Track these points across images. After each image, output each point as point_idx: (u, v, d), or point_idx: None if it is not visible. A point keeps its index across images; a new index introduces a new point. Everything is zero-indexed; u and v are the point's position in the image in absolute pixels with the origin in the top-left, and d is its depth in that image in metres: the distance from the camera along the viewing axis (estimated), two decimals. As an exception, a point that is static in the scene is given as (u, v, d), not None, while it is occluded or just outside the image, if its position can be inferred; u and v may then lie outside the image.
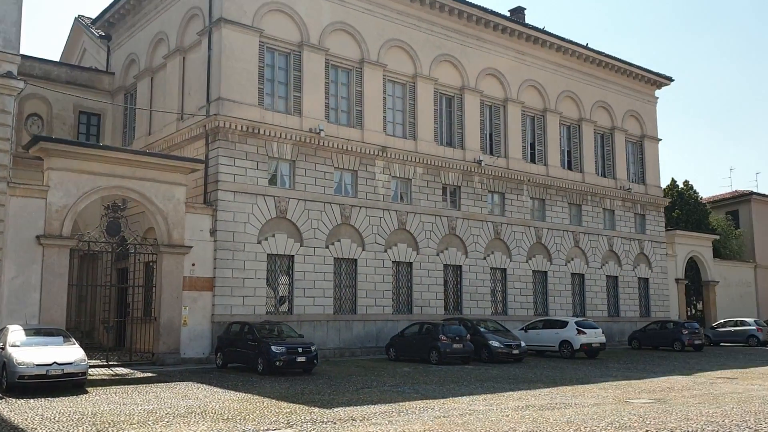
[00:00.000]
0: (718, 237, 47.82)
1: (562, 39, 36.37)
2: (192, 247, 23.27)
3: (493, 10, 33.24)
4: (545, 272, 34.81)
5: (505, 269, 33.04)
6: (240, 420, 12.12)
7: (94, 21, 33.95)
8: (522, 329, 29.81)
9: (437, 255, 30.33)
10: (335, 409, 13.28)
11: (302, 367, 20.33)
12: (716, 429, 10.84)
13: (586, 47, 37.60)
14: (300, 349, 20.14)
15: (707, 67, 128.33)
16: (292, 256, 25.93)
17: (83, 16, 36.01)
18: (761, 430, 10.73)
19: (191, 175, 24.31)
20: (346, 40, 28.60)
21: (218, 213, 24.18)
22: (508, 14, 36.46)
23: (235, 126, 24.78)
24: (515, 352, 25.44)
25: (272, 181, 25.96)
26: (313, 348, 20.52)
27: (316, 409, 13.28)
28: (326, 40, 27.82)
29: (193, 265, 23.38)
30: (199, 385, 17.32)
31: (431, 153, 30.58)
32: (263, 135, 25.48)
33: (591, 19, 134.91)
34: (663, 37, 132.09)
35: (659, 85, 42.62)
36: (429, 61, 31.14)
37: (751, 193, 53.70)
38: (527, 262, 33.91)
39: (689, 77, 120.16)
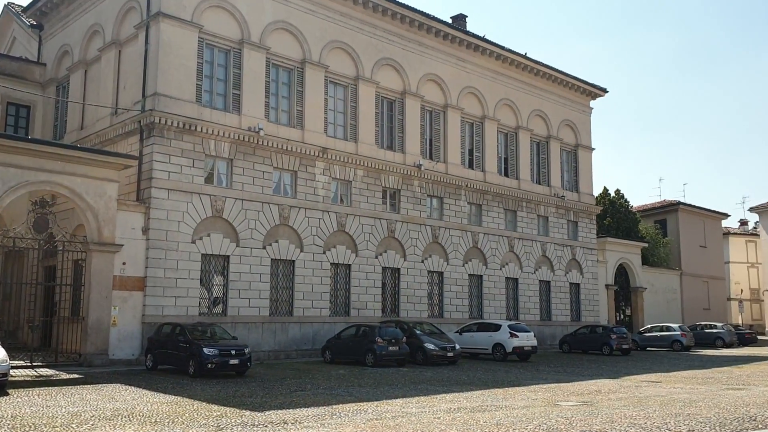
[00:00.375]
0: (646, 245, 49.56)
1: (502, 48, 37.05)
2: (123, 245, 22.65)
3: (435, 16, 33.60)
4: (481, 276, 35.35)
5: (442, 272, 33.39)
6: (168, 423, 11.86)
7: (25, 9, 32.67)
8: (457, 332, 30.21)
9: (376, 257, 30.41)
10: (267, 413, 13.14)
11: (235, 370, 20.04)
12: (638, 431, 11.20)
13: (524, 56, 38.41)
14: (233, 352, 19.85)
15: (640, 81, 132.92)
16: (228, 256, 25.54)
17: (13, 4, 34.64)
18: (680, 431, 11.14)
19: (124, 171, 23.67)
20: (287, 39, 28.39)
21: (151, 211, 23.60)
22: (449, 21, 36.88)
23: (172, 122, 24.25)
24: (450, 354, 25.73)
25: (209, 179, 25.52)
26: (246, 350, 20.26)
27: (248, 413, 13.11)
28: (267, 39, 27.55)
29: (124, 264, 22.77)
30: (127, 387, 16.86)
31: (372, 156, 30.65)
32: (200, 132, 25.03)
33: (531, 29, 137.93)
34: (599, 49, 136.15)
35: (594, 96, 43.90)
36: (371, 65, 31.23)
37: (679, 203, 55.88)
38: (464, 265, 34.37)
39: (623, 90, 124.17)
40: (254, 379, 19.29)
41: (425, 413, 13.25)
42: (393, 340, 24.32)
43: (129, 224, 23.07)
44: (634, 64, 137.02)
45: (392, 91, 32.30)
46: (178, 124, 24.38)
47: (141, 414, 12.79)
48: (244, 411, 13.30)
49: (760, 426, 11.71)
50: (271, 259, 26.75)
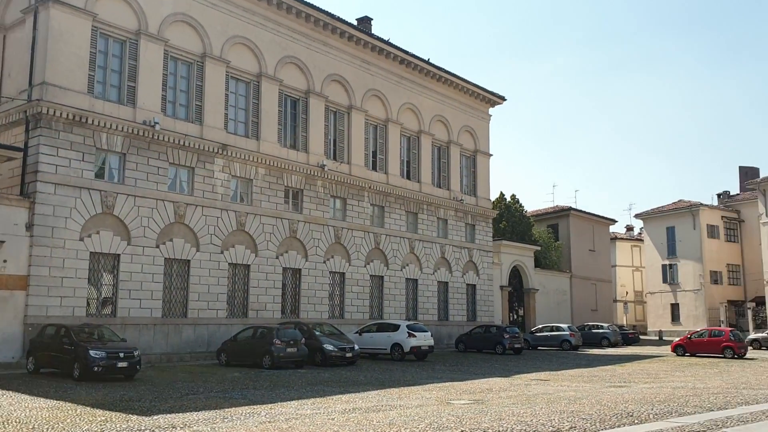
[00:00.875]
0: (539, 248, 51.56)
1: (405, 52, 37.53)
2: (4, 242, 21.29)
3: (340, 17, 33.60)
4: (382, 277, 35.65)
5: (344, 273, 33.42)
6: (47, 429, 11.22)
7: None
8: (357, 332, 30.30)
9: (276, 258, 30.04)
10: (155, 417, 12.69)
11: (124, 373, 19.24)
12: (524, 428, 11.60)
13: (427, 62, 39.07)
14: (122, 354, 19.05)
15: (538, 91, 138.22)
16: (118, 255, 24.50)
17: None
18: (563, 428, 11.63)
19: (7, 163, 22.30)
20: (187, 32, 27.59)
21: (36, 206, 22.30)
22: (355, 23, 36.99)
23: (60, 113, 23.02)
24: (348, 355, 25.77)
25: (99, 174, 24.38)
26: (136, 353, 19.50)
27: (134, 417, 12.61)
28: (166, 31, 26.67)
29: (5, 261, 21.42)
30: (4, 391, 15.84)
31: (274, 154, 30.27)
32: (91, 125, 23.88)
33: (435, 36, 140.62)
34: (499, 58, 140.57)
35: (492, 104, 45.22)
36: (275, 62, 30.84)
37: (570, 208, 58.47)
38: (365, 266, 34.55)
39: (522, 98, 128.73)
40: (144, 382, 18.59)
41: (320, 414, 13.20)
42: (291, 342, 24.08)
43: (11, 219, 21.70)
44: (532, 74, 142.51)
45: (296, 89, 32.03)
46: (67, 115, 23.16)
47: (17, 420, 12.04)
48: (130, 416, 12.78)
49: (636, 421, 12.40)
50: (165, 259, 25.88)
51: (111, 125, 24.40)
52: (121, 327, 23.71)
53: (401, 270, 36.78)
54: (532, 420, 12.43)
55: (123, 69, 25.55)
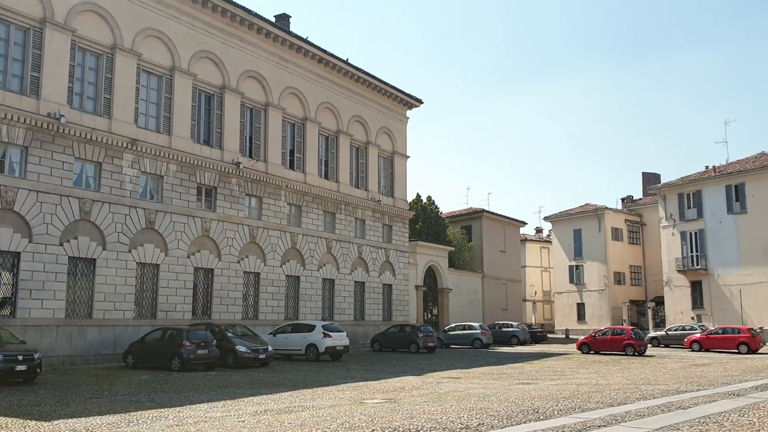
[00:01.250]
0: (453, 249, 52.55)
1: (324, 51, 37.42)
2: None
3: (258, 13, 33.13)
4: (298, 277, 35.38)
5: (258, 273, 32.95)
6: (-67, 440, 10.53)
7: None
8: (271, 333, 29.96)
9: (188, 257, 29.30)
10: (56, 422, 12.12)
11: (23, 377, 18.30)
12: (434, 425, 11.79)
13: (345, 62, 39.09)
14: (20, 357, 18.11)
15: (453, 94, 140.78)
16: (18, 253, 23.27)
17: None
18: (471, 425, 11.88)
19: None
20: (97, 22, 26.54)
21: (-74, 200, 20.90)
22: (273, 20, 36.57)
23: (-45, 102, 21.65)
24: (262, 356, 25.44)
25: (-1, 168, 23.10)
26: (36, 355, 18.59)
27: (33, 423, 12.01)
28: (74, 20, 25.55)
29: None
30: None
31: (186, 150, 29.52)
32: (-10, 115, 22.58)
33: (354, 36, 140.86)
34: (417, 61, 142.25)
35: (410, 106, 45.73)
36: (189, 56, 30.09)
37: (483, 210, 59.86)
38: (281, 266, 34.20)
39: (438, 101, 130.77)
40: (44, 386, 17.73)
41: (230, 417, 12.96)
42: (202, 344, 23.54)
43: None
44: (449, 78, 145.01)
45: (211, 85, 31.36)
46: (-38, 104, 21.82)
47: None
48: (28, 421, 12.16)
49: (541, 417, 12.81)
50: (69, 257, 24.77)
51: (12, 117, 23.15)
52: (21, 328, 22.54)
53: (318, 270, 36.64)
54: (442, 417, 12.64)
55: (26, 58, 24.29)
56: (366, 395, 16.74)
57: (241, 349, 25.04)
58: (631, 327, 40.08)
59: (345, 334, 30.14)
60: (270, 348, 26.26)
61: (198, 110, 30.90)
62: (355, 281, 39.46)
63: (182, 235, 29.07)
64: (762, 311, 47.40)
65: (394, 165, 44.04)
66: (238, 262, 31.77)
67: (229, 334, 25.81)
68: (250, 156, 33.25)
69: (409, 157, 45.47)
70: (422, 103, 45.83)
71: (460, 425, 11.80)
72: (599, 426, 11.72)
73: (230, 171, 31.45)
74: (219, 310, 30.57)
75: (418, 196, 54.76)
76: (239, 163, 31.77)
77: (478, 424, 11.88)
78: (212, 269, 30.51)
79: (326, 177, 38.32)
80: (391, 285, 42.65)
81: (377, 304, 41.25)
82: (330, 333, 29.02)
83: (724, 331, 39.22)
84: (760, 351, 36.88)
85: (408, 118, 45.83)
